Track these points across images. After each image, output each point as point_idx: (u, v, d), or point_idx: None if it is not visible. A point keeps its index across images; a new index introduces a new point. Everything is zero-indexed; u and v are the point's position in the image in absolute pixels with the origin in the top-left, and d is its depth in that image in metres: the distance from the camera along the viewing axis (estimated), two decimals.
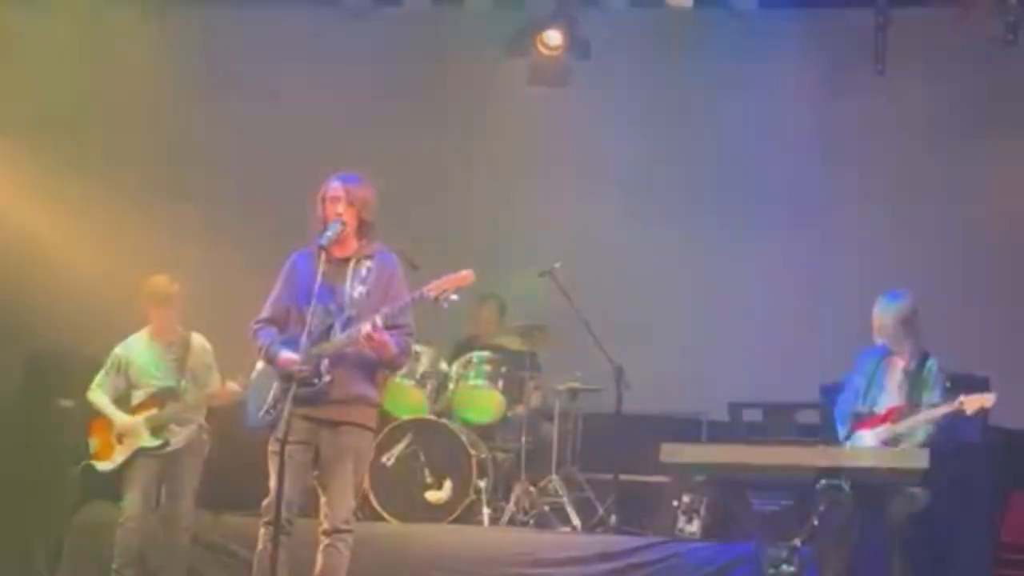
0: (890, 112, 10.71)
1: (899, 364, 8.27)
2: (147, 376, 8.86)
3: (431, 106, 11.21)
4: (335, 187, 7.12)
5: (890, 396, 8.24)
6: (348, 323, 7.00)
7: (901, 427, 8.07)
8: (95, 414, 8.92)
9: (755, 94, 10.82)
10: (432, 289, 6.95)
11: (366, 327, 6.86)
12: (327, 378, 6.96)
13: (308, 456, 7.01)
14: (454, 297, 6.96)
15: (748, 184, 10.89)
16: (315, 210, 7.20)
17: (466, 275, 6.99)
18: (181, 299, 8.88)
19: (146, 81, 10.92)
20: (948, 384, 8.24)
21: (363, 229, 7.16)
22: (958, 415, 7.93)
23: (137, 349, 8.92)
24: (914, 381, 8.18)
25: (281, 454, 6.67)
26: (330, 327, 7.02)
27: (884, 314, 8.30)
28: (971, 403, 7.91)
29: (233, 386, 8.59)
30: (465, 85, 11.20)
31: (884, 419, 8.14)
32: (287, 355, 6.95)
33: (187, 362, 8.86)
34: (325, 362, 6.97)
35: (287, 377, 6.87)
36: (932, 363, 8.21)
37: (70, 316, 10.48)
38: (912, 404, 8.13)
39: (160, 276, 8.87)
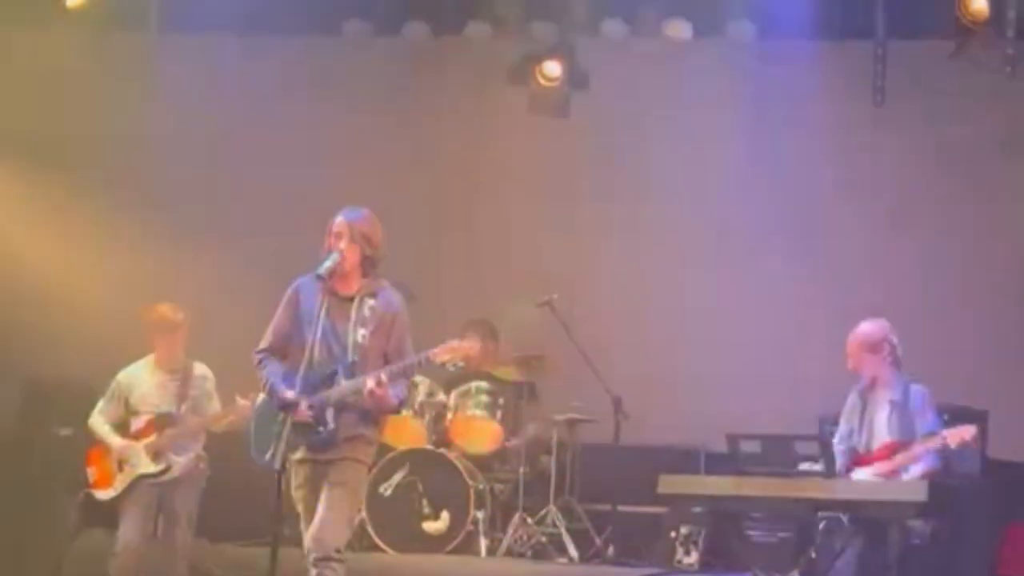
0: (888, 143, 10.74)
1: (884, 396, 8.25)
2: (147, 403, 8.83)
3: (431, 135, 11.23)
4: (339, 222, 7.07)
5: (880, 431, 8.19)
6: (351, 368, 6.99)
7: (895, 464, 8.05)
8: (93, 443, 8.89)
9: (753, 125, 10.84)
10: (438, 354, 7.03)
11: (370, 382, 6.87)
12: (332, 426, 6.97)
13: (315, 497, 7.02)
14: (461, 364, 7.37)
15: (747, 214, 10.90)
16: (315, 238, 7.19)
17: (471, 346, 7.20)
18: (186, 327, 8.87)
19: (147, 109, 10.95)
20: (946, 417, 8.23)
21: (367, 266, 7.10)
22: (944, 450, 7.92)
23: (140, 376, 8.90)
24: (903, 411, 8.16)
25: (278, 481, 6.73)
26: (334, 373, 7.00)
27: (851, 340, 8.31)
28: (953, 436, 7.89)
29: (243, 402, 8.57)
30: (465, 114, 11.23)
31: (879, 457, 8.12)
32: (288, 395, 6.93)
33: (188, 390, 8.85)
34: (331, 410, 6.97)
35: (286, 407, 6.89)
36: (916, 390, 8.19)
37: (69, 344, 10.49)
38: (905, 437, 8.10)
39: (166, 305, 8.85)
